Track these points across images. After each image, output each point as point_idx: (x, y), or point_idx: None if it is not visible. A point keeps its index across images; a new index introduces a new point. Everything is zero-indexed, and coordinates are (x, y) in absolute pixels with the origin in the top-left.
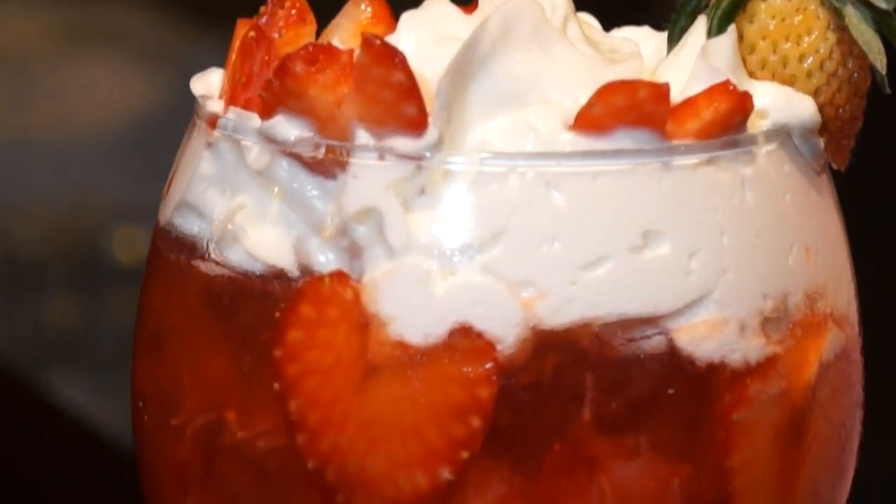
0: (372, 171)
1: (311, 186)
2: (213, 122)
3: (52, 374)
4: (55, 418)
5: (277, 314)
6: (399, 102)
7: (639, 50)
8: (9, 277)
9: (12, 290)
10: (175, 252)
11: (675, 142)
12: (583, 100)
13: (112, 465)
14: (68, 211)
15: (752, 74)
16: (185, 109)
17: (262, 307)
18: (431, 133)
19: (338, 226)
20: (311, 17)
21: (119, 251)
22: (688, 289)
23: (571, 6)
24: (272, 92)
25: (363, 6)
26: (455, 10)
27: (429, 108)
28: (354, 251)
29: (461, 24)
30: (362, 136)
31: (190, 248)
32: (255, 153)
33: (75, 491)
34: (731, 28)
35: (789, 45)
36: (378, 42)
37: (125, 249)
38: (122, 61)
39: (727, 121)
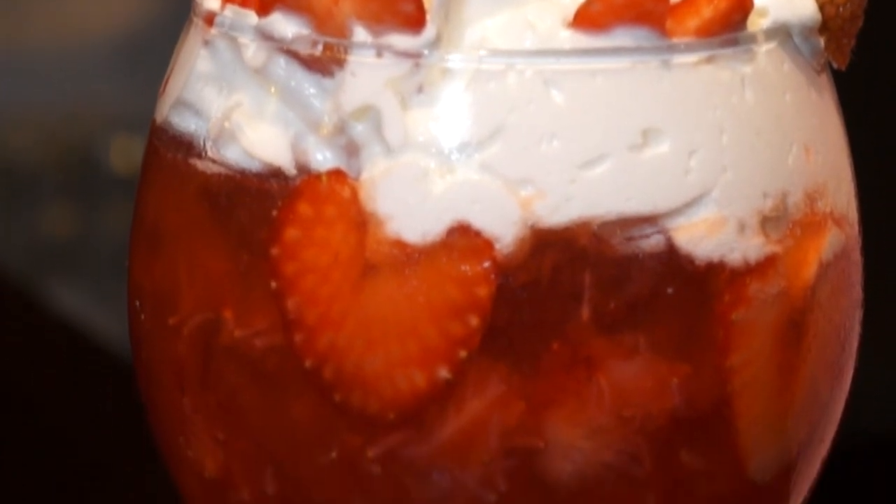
0: (369, 69)
1: (308, 84)
2: (209, 19)
3: (49, 283)
4: (53, 326)
5: (274, 213)
6: None
7: None
8: (5, 187)
9: (9, 200)
10: (172, 150)
11: (675, 40)
12: None
13: (109, 371)
14: (65, 120)
15: None
16: (183, 18)
17: (259, 206)
18: (429, 30)
19: (335, 124)
20: None
21: (116, 161)
22: (687, 188)
23: None
24: None
25: None
26: None
27: (427, 6)
28: (352, 149)
29: None
30: (360, 34)
31: (187, 146)
32: (252, 51)
33: (73, 398)
34: None
35: None
36: None
37: (122, 159)
38: None
39: (727, 19)
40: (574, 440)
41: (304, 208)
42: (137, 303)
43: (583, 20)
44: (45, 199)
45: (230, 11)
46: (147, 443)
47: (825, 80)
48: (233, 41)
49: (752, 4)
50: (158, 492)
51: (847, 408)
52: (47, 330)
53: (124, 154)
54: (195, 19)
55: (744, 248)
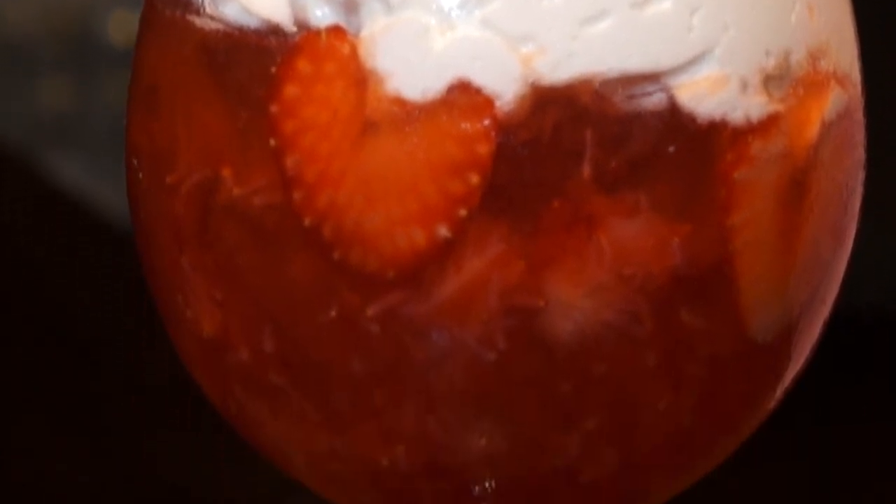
0: None
1: None
2: None
3: (47, 156)
4: (52, 198)
5: (273, 70)
6: None
7: None
8: (3, 60)
9: (7, 73)
10: (170, 7)
11: None
12: None
13: (109, 243)
14: None
15: None
16: None
17: (257, 63)
18: None
19: None
20: None
21: (114, 33)
22: (689, 45)
23: None
24: None
25: None
26: None
27: None
28: (351, 6)
29: None
30: None
31: (185, 3)
32: None
33: (73, 269)
34: None
35: None
36: None
37: (120, 32)
38: None
39: None
40: (574, 299)
41: (303, 65)
42: (135, 161)
43: None
44: (44, 72)
45: None
46: (147, 312)
47: None
48: None
49: None
50: (158, 360)
51: (848, 274)
52: (46, 202)
53: (123, 27)
54: None
55: (746, 106)
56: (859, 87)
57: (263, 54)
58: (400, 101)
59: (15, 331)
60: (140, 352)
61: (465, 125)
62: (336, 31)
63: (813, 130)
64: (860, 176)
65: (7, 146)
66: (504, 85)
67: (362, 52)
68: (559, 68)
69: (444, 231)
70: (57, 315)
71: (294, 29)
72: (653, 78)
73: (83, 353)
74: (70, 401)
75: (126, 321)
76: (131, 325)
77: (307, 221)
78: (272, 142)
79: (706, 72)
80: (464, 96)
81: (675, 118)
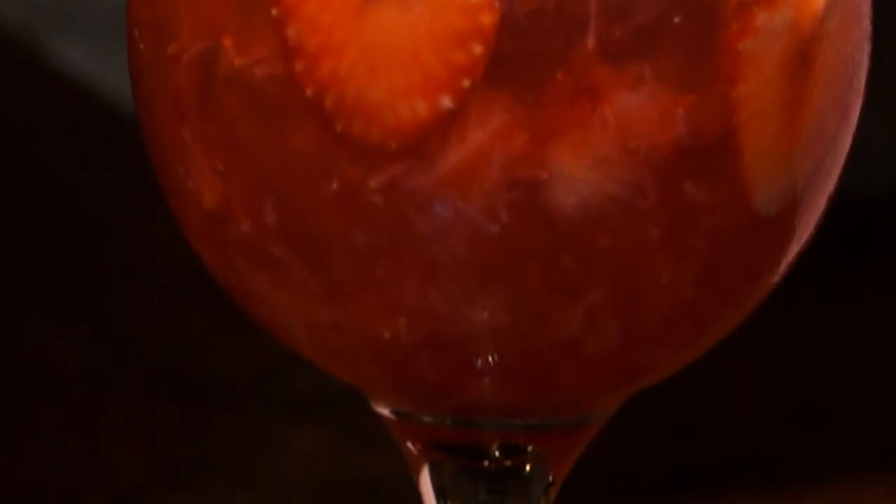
0: None
1: None
2: None
3: (49, 38)
4: (54, 81)
5: None
6: None
7: None
8: None
9: None
10: None
11: None
12: None
13: (110, 124)
14: None
15: None
16: None
17: None
18: None
19: None
20: None
21: None
22: None
23: None
24: None
25: None
26: None
27: None
28: None
29: None
30: None
31: None
32: None
33: (75, 152)
34: None
35: None
36: None
37: None
38: None
39: None
40: (578, 171)
41: None
42: (136, 33)
43: None
44: None
45: None
46: (149, 195)
47: None
48: None
49: None
50: (160, 243)
51: (855, 153)
52: (48, 84)
53: None
54: None
55: None
56: None
57: None
58: None
59: (16, 214)
60: (142, 234)
61: None
62: None
63: (819, 1)
64: (866, 48)
65: (6, 28)
66: None
67: None
68: None
69: (447, 102)
70: (59, 198)
71: None
72: None
73: (84, 235)
74: (71, 283)
75: (128, 204)
76: (133, 208)
77: (309, 92)
78: (274, 11)
79: None
80: None
81: None
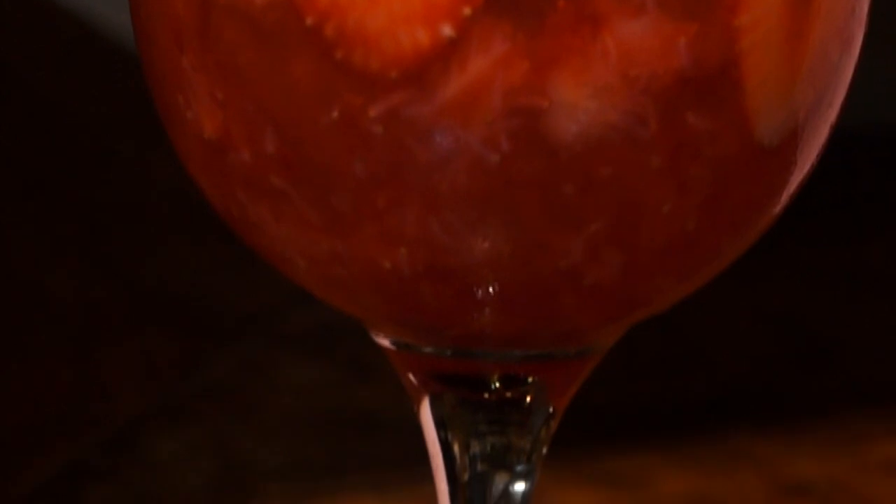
0: None
1: None
2: None
3: None
4: (54, 12)
5: None
6: None
7: None
8: None
9: None
10: None
11: None
12: None
13: (109, 55)
14: None
15: None
16: None
17: None
18: None
19: None
20: None
21: None
22: None
23: None
24: None
25: None
26: None
27: None
28: None
29: None
30: None
31: None
32: None
33: (74, 84)
34: None
35: None
36: None
37: None
38: None
39: None
40: (579, 100)
41: None
42: None
43: None
44: None
45: None
46: (148, 124)
47: None
48: None
49: None
50: (160, 175)
51: (856, 78)
52: (48, 16)
53: None
54: None
55: None
56: None
57: None
58: None
59: (14, 145)
60: (142, 166)
61: None
62: None
63: None
64: None
65: None
66: None
67: None
68: None
69: (447, 30)
70: (58, 130)
71: None
72: None
73: (83, 166)
74: (70, 215)
75: (128, 136)
76: (133, 140)
77: (309, 21)
78: None
79: None
80: None
81: None
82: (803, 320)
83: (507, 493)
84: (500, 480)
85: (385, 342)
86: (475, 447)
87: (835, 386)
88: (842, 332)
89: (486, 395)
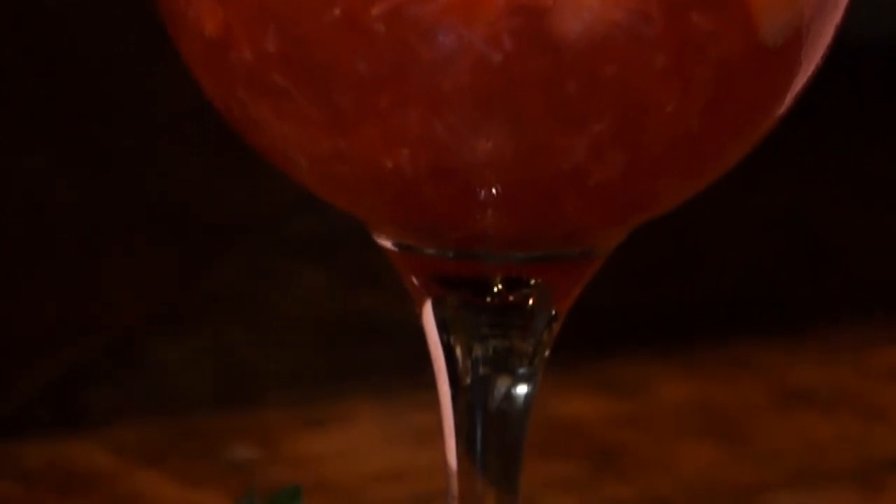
0: None
1: None
2: None
3: None
4: None
5: None
6: None
7: None
8: None
9: None
10: None
11: None
12: None
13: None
14: None
15: None
16: None
17: None
18: None
19: None
20: None
21: None
22: None
23: None
24: None
25: None
26: None
27: None
28: None
29: None
30: None
31: None
32: None
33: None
34: None
35: None
36: None
37: None
38: None
39: None
40: None
41: None
42: None
43: None
44: None
45: None
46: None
47: None
48: None
49: None
50: (161, 81)
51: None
52: None
53: None
54: None
55: None
56: None
57: None
58: None
59: (16, 57)
60: (144, 74)
61: None
62: None
63: None
64: None
65: None
66: None
67: None
68: None
69: None
70: (60, 40)
71: None
72: None
73: (85, 75)
74: (71, 123)
75: (130, 44)
76: (135, 48)
77: None
78: None
79: None
80: None
81: None
82: (807, 225)
83: (508, 396)
84: (502, 384)
85: (387, 243)
86: (477, 350)
87: (839, 292)
88: (847, 237)
89: (489, 299)
